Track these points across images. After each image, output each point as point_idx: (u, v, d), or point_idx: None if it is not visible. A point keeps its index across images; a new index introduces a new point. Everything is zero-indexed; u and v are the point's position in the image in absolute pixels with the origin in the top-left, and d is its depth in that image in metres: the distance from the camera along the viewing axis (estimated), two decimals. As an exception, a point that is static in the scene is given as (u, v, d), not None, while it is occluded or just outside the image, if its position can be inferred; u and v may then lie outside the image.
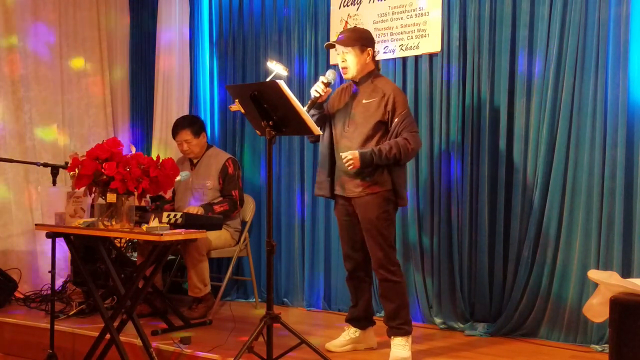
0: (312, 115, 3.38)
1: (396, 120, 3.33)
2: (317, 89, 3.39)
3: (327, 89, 3.42)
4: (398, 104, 3.35)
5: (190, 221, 3.66)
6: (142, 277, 3.50)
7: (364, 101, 3.40)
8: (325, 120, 3.52)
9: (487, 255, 3.97)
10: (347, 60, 3.39)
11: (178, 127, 4.59)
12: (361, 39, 3.40)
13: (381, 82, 3.44)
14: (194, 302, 4.34)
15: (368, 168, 3.31)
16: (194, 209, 4.31)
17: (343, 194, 3.46)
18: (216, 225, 4.19)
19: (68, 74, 5.36)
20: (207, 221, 4.09)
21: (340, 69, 3.44)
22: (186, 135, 4.55)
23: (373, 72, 3.46)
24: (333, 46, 3.47)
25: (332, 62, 4.53)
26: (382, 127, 3.37)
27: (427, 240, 4.18)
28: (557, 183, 3.75)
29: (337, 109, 3.50)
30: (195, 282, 4.22)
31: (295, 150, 4.80)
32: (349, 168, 3.28)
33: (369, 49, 3.41)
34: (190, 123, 4.58)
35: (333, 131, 3.51)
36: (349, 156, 3.25)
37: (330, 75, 3.42)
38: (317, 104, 3.42)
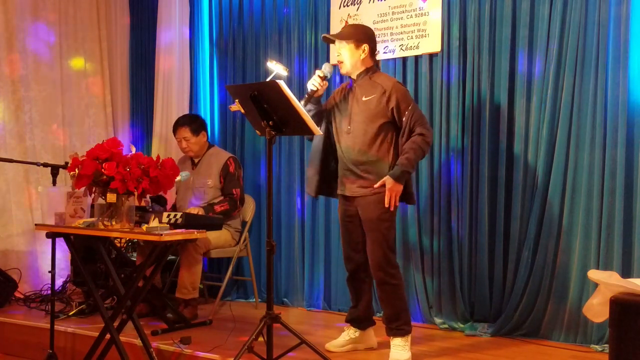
0: (309, 111, 3.37)
1: (406, 115, 3.30)
2: (313, 83, 3.38)
3: (324, 82, 3.40)
4: (401, 99, 3.32)
5: (190, 221, 3.66)
6: (142, 277, 3.50)
7: (363, 98, 3.38)
8: (322, 116, 3.51)
9: (487, 255, 3.97)
10: (341, 54, 3.39)
11: (178, 124, 4.63)
12: (357, 34, 3.38)
13: (380, 78, 3.40)
14: (180, 304, 4.25)
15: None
16: (195, 210, 4.30)
17: (345, 193, 3.46)
18: (216, 226, 4.20)
19: (68, 74, 5.35)
20: (207, 221, 4.09)
21: (338, 63, 3.43)
22: (185, 132, 4.56)
23: (371, 69, 3.43)
24: (331, 41, 3.46)
25: (332, 61, 4.53)
26: (385, 127, 3.35)
27: (427, 240, 4.18)
28: (557, 183, 3.75)
29: (336, 107, 3.49)
30: (185, 283, 4.19)
31: (295, 150, 4.80)
32: (391, 204, 3.29)
33: (364, 45, 3.37)
34: (190, 121, 4.59)
35: (332, 129, 3.50)
36: (388, 194, 3.26)
37: (326, 68, 3.41)
38: (314, 99, 3.41)
